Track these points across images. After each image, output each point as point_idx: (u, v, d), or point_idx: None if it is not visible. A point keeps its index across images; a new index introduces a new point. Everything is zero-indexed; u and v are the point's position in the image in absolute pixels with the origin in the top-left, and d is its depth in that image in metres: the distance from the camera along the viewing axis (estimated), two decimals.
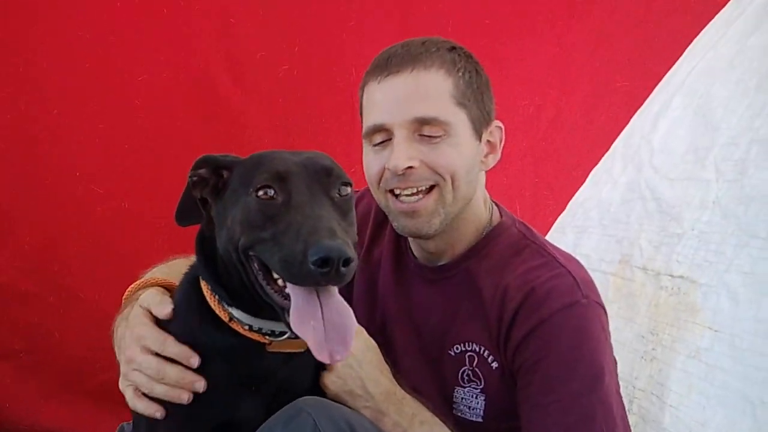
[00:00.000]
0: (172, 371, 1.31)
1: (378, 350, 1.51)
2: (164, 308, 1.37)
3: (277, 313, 1.23)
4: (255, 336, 1.32)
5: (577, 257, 1.65)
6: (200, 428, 1.35)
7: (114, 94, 2.69)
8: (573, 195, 3.25)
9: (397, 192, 1.55)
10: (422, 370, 1.64)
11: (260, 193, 1.21)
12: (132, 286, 1.53)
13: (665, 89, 2.82)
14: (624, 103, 3.14)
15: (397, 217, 1.58)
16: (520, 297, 1.49)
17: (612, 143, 3.09)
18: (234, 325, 1.32)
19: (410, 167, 1.50)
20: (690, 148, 2.34)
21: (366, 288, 1.77)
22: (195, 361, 1.31)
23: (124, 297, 1.53)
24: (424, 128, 1.50)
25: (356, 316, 1.41)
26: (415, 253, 1.72)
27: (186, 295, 1.40)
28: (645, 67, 3.08)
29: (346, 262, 1.09)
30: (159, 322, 1.38)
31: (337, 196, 1.26)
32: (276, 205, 1.20)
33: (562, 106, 3.12)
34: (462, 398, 1.59)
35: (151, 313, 1.38)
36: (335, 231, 1.13)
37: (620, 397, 1.51)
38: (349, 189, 1.29)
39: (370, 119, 1.57)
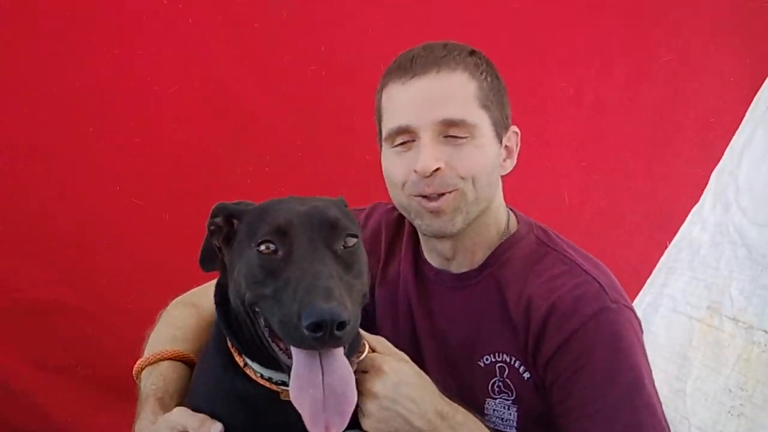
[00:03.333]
0: None
1: (412, 375, 1.38)
2: None
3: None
4: (267, 384, 1.30)
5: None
6: None
7: (146, 108, 2.72)
8: (622, 175, 3.15)
9: (423, 194, 1.52)
10: (451, 382, 1.58)
11: (261, 247, 1.18)
12: (140, 362, 1.51)
13: (750, 120, 2.63)
14: (670, 79, 3.01)
15: (423, 216, 1.55)
16: (545, 309, 1.46)
17: (657, 122, 2.95)
18: (249, 372, 1.30)
19: (437, 169, 1.48)
20: None
21: (389, 306, 1.73)
22: None
23: (134, 372, 1.51)
24: (450, 130, 1.48)
25: (384, 335, 1.40)
26: (432, 262, 1.68)
27: (216, 348, 1.38)
28: (690, 40, 2.93)
29: (341, 326, 1.04)
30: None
31: (341, 248, 1.21)
32: (277, 260, 1.17)
33: (603, 85, 3.00)
34: (494, 410, 1.55)
35: None
36: (331, 290, 1.08)
37: (659, 397, 1.46)
38: (355, 240, 1.24)
39: (394, 121, 1.54)
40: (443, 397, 1.39)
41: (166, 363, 1.50)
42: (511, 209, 1.69)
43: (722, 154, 3.23)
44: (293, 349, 1.13)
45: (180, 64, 2.73)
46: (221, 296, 1.35)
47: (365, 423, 1.32)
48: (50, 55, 2.63)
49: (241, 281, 1.21)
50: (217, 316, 1.36)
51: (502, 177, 1.65)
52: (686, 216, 3.29)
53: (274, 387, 1.29)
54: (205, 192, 2.74)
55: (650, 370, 1.47)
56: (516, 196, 3.07)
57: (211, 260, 1.39)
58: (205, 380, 1.38)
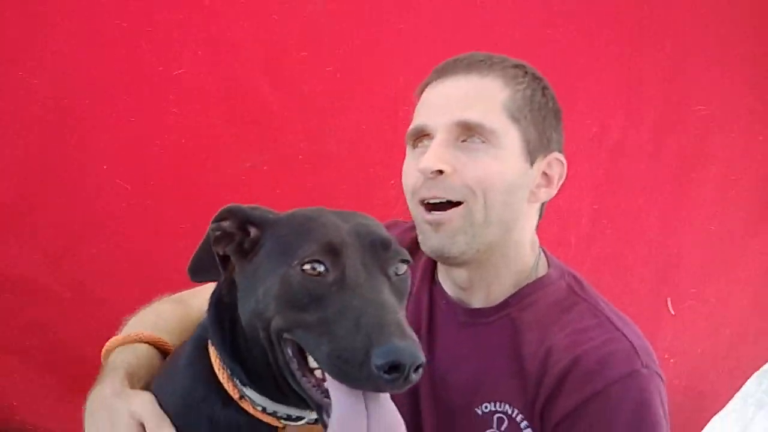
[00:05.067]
0: None
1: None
2: None
3: (304, 401, 1.08)
4: (267, 418, 1.16)
5: None
6: None
7: (147, 88, 2.57)
8: (634, 227, 3.00)
9: (425, 200, 1.41)
10: (443, 427, 1.46)
11: (307, 267, 1.02)
12: (113, 339, 1.38)
13: None
14: (700, 131, 2.88)
15: (423, 230, 1.44)
16: (568, 361, 1.32)
17: (679, 173, 2.82)
18: (244, 404, 1.16)
19: (440, 171, 1.35)
20: None
21: None
22: None
23: (104, 350, 1.37)
24: (467, 134, 1.37)
25: None
26: (447, 290, 1.54)
27: (191, 361, 1.22)
28: (725, 92, 2.81)
29: (418, 368, 0.92)
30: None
31: (395, 275, 1.08)
32: (326, 283, 1.01)
33: (629, 129, 2.86)
34: None
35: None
36: (404, 327, 0.95)
37: None
38: (406, 267, 1.11)
39: (414, 121, 1.45)
40: None
41: (143, 346, 1.36)
42: (543, 250, 1.55)
43: (738, 215, 3.11)
44: (332, 387, 0.99)
45: (186, 46, 2.57)
46: (218, 314, 1.19)
47: None
48: (45, 25, 2.45)
49: (269, 303, 1.05)
50: (214, 336, 1.18)
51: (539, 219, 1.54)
52: (695, 273, 3.16)
53: (275, 422, 1.16)
54: (199, 183, 2.60)
55: None
56: None
57: (205, 270, 1.21)
58: (174, 401, 1.21)
